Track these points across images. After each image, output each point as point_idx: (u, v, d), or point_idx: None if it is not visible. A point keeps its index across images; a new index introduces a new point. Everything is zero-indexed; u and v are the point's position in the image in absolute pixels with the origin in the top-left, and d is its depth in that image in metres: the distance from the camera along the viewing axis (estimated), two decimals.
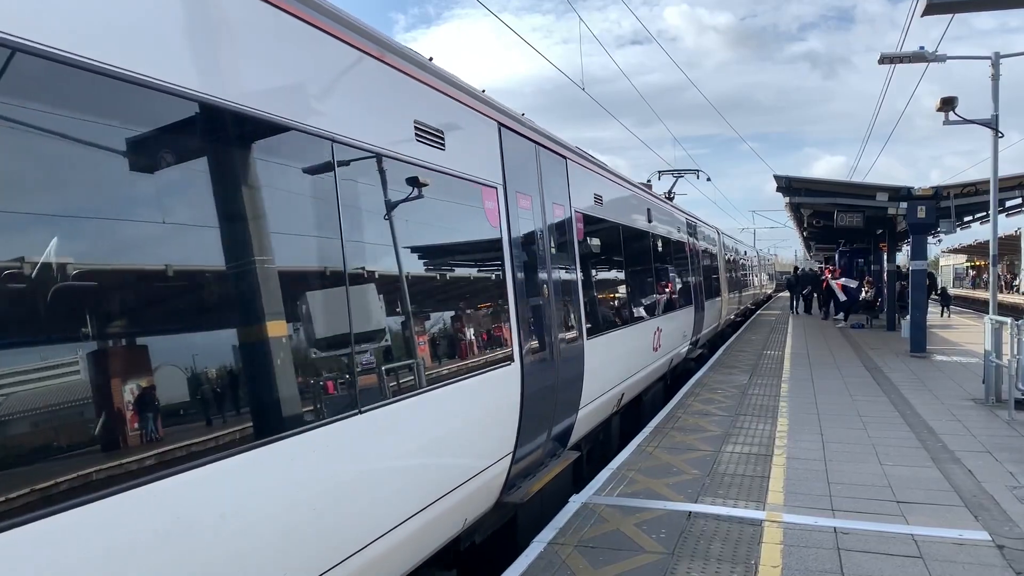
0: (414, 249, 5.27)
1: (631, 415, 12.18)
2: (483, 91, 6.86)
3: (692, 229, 19.27)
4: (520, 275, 6.87)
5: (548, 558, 6.07)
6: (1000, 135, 13.34)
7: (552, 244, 7.93)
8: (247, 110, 3.65)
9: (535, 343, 7.08)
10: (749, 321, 33.88)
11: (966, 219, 24.36)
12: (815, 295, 37.06)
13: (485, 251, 6.41)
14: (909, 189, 19.06)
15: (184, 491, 3.12)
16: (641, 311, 12.19)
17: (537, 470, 7.49)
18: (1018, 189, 18.67)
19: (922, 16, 8.63)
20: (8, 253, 2.60)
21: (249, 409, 3.54)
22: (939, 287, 37.65)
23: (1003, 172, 15.11)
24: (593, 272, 9.65)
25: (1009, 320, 11.83)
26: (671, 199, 23.40)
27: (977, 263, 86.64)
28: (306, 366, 3.98)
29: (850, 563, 5.93)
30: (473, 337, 5.96)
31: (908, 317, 21.56)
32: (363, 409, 4.31)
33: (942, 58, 13.50)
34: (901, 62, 13.70)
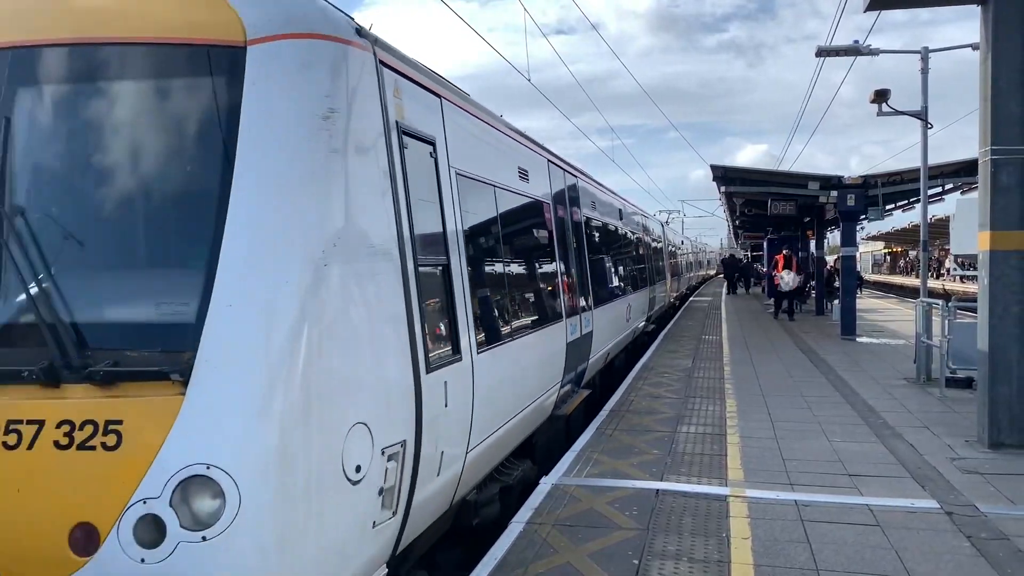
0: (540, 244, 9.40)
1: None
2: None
3: (669, 237, 31.76)
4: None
5: (529, 537, 6.23)
6: (929, 126, 14.04)
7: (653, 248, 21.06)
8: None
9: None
10: (686, 304, 34.89)
11: (888, 207, 25.47)
12: (744, 279, 47.19)
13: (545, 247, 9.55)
14: (839, 178, 19.82)
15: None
16: (656, 277, 22.89)
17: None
18: (940, 178, 19.62)
19: (864, 12, 9.02)
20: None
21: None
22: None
23: (919, 162, 15.77)
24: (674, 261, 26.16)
25: (941, 303, 12.48)
26: (668, 223, 38.45)
27: (894, 250, 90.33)
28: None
29: (815, 532, 6.26)
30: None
31: (837, 302, 22.48)
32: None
33: (876, 52, 14.11)
34: (837, 55, 14.26)
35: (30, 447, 3.65)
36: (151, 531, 3.53)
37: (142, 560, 3.50)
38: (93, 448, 3.62)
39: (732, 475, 7.89)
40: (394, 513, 4.57)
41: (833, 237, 42.18)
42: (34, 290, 3.89)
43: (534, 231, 8.99)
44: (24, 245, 3.97)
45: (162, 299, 3.90)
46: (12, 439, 3.65)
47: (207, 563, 3.48)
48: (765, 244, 41.24)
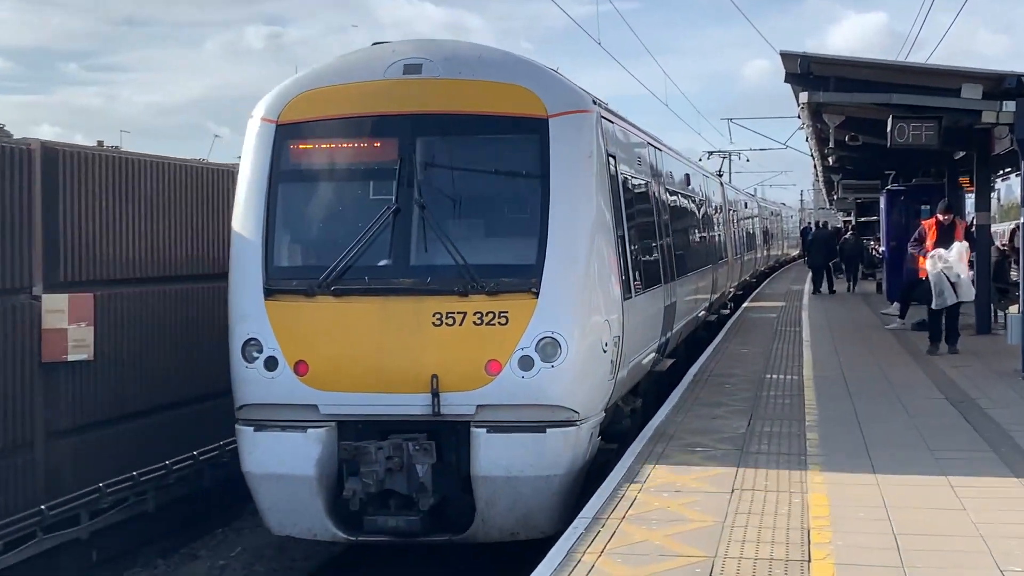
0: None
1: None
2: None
3: (730, 197, 49.58)
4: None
5: None
6: None
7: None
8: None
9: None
10: (739, 313, 35.45)
11: None
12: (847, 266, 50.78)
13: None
14: (1019, 77, 19.93)
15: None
16: (718, 255, 38.33)
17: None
18: None
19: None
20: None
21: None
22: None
23: None
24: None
25: None
26: (720, 175, 61.27)
27: None
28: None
29: None
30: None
31: (1015, 308, 22.76)
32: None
33: None
34: None
35: (460, 324, 14.69)
36: (527, 363, 14.59)
37: (522, 377, 14.46)
38: (494, 325, 14.69)
39: None
40: (613, 379, 15.92)
41: (1007, 188, 42.83)
42: (452, 250, 14.74)
43: (645, 207, 20.82)
44: (440, 228, 15.02)
45: (521, 253, 15.36)
46: (450, 320, 14.61)
47: (553, 379, 14.52)
48: (882, 201, 41.31)
